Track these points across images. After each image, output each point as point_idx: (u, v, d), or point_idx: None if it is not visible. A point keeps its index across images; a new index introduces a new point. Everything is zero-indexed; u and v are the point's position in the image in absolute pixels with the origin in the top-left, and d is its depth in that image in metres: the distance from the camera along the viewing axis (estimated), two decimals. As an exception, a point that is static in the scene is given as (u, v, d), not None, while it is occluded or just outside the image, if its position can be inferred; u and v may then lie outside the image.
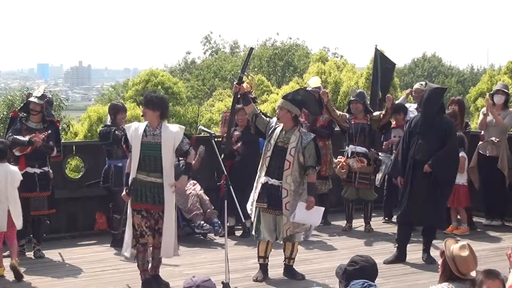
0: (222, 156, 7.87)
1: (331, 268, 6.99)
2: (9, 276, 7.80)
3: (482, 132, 10.46)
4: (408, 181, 8.36)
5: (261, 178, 7.66)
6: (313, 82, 10.37)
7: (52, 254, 8.83)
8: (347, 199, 10.22)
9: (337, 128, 10.50)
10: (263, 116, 8.01)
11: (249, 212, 7.79)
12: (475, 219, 10.52)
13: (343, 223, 10.39)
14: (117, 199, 8.76)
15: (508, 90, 10.46)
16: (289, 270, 7.84)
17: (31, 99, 8.67)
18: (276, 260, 7.99)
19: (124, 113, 9.37)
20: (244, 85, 8.07)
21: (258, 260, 7.83)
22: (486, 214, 10.66)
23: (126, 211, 7.46)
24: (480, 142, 10.44)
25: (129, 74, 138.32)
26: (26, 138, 8.38)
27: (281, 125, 7.68)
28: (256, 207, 7.66)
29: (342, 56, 47.83)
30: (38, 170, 8.60)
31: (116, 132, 8.95)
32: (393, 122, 10.45)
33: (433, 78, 51.06)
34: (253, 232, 7.78)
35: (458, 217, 10.10)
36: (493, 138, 10.25)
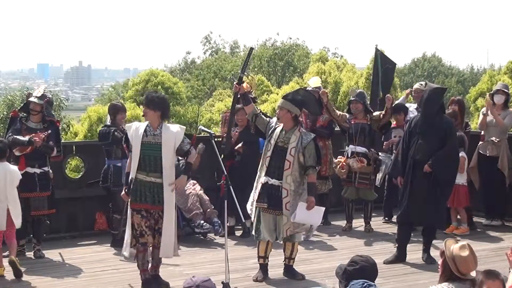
0: (222, 156, 7.88)
1: (331, 268, 6.99)
2: (9, 276, 7.81)
3: (482, 132, 10.46)
4: (408, 181, 8.36)
5: (261, 178, 7.66)
6: (313, 82, 10.37)
7: (52, 254, 8.83)
8: (347, 199, 10.22)
9: (337, 128, 10.50)
10: (263, 116, 8.01)
11: (249, 212, 7.78)
12: (475, 219, 10.52)
13: (343, 223, 10.39)
14: (117, 199, 8.78)
15: (508, 90, 10.46)
16: (289, 270, 7.83)
17: (31, 99, 8.67)
18: (276, 260, 7.99)
19: (124, 113, 9.37)
20: (244, 85, 8.08)
21: (258, 260, 7.83)
22: (486, 214, 10.66)
23: (127, 211, 7.47)
24: (480, 142, 10.44)
25: (129, 74, 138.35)
26: (26, 138, 8.38)
27: (281, 125, 7.68)
28: (256, 207, 7.66)
29: (342, 56, 47.88)
30: (38, 170, 8.60)
31: (116, 133, 8.96)
32: (394, 122, 10.46)
33: (433, 78, 51.05)
34: (253, 232, 7.78)
35: (458, 217, 10.10)
36: (493, 138, 10.25)
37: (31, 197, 8.53)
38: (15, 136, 8.43)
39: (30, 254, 8.72)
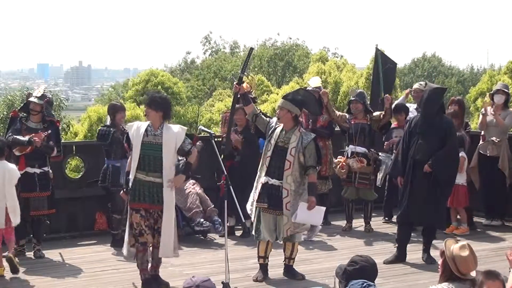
0: (222, 156, 7.87)
1: (331, 268, 6.98)
2: (9, 275, 7.81)
3: (483, 132, 10.45)
4: (408, 181, 8.36)
5: (261, 178, 7.66)
6: (313, 82, 10.36)
7: (52, 254, 8.83)
8: (347, 199, 10.22)
9: (337, 128, 10.50)
10: (263, 116, 8.01)
11: (249, 212, 7.78)
12: (475, 219, 10.51)
13: (343, 223, 10.39)
14: (115, 199, 8.79)
15: (508, 90, 10.45)
16: (289, 270, 7.83)
17: (31, 99, 8.67)
18: (276, 260, 7.99)
19: (123, 112, 9.37)
20: (244, 85, 8.08)
21: (258, 260, 7.83)
22: (486, 214, 10.65)
23: (127, 211, 7.47)
24: (481, 142, 10.44)
25: (129, 74, 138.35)
26: (26, 138, 8.38)
27: (281, 125, 7.68)
28: (256, 207, 7.66)
29: (342, 56, 47.88)
30: (38, 170, 8.60)
31: (115, 135, 8.98)
32: (394, 122, 10.45)
33: (433, 78, 51.03)
34: (253, 232, 7.78)
35: (458, 217, 10.10)
36: (493, 138, 10.25)
37: (31, 197, 8.53)
38: (15, 136, 8.43)
39: (30, 254, 8.72)
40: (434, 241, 8.63)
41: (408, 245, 8.58)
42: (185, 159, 7.66)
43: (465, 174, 10.00)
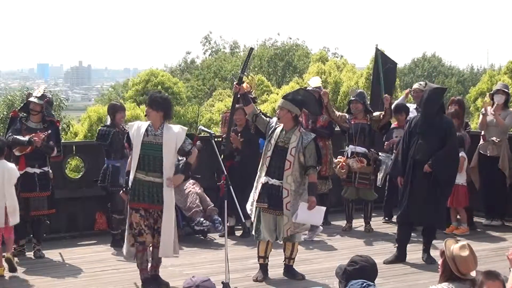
0: (222, 156, 7.87)
1: (331, 268, 6.98)
2: (9, 275, 7.81)
3: (483, 132, 10.45)
4: (408, 181, 8.36)
5: (261, 178, 7.66)
6: (313, 82, 10.35)
7: (52, 254, 8.83)
8: (347, 199, 10.22)
9: (337, 128, 10.50)
10: (263, 116, 8.01)
11: (249, 212, 7.78)
12: (475, 219, 10.51)
13: (343, 223, 10.39)
14: (115, 199, 8.79)
15: (508, 90, 10.45)
16: (289, 270, 7.83)
17: (31, 99, 8.67)
18: (276, 260, 7.99)
19: (123, 112, 9.37)
20: (244, 85, 8.08)
21: (258, 260, 7.83)
22: (486, 214, 10.65)
23: (128, 210, 7.47)
24: (481, 142, 10.43)
25: (129, 74, 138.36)
26: (26, 138, 8.38)
27: (281, 125, 7.68)
28: (256, 207, 7.66)
29: (342, 56, 47.88)
30: (38, 170, 8.60)
31: (115, 135, 8.98)
32: (394, 122, 10.45)
33: (433, 78, 51.03)
34: (253, 232, 7.78)
35: (458, 217, 10.10)
36: (493, 138, 10.25)
37: (31, 197, 8.53)
38: (15, 136, 8.43)
39: (30, 254, 8.71)
40: (434, 241, 8.62)
41: (408, 245, 8.58)
42: (185, 159, 7.66)
43: (465, 174, 10.00)
